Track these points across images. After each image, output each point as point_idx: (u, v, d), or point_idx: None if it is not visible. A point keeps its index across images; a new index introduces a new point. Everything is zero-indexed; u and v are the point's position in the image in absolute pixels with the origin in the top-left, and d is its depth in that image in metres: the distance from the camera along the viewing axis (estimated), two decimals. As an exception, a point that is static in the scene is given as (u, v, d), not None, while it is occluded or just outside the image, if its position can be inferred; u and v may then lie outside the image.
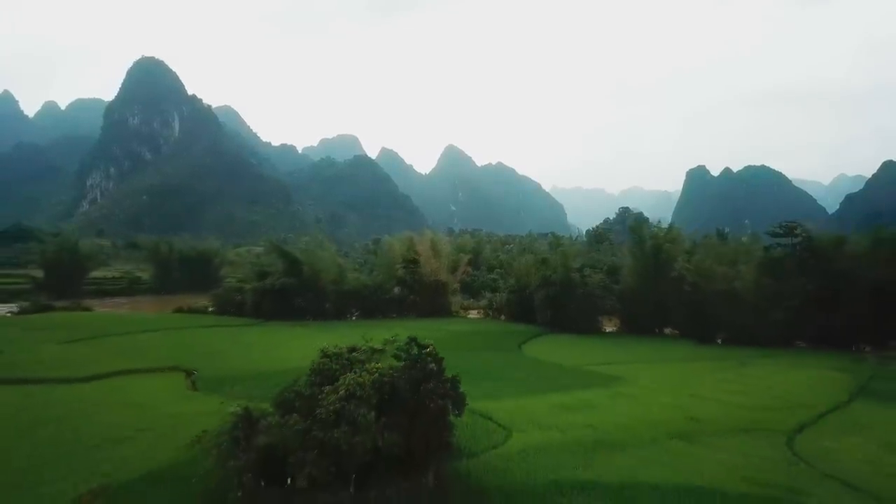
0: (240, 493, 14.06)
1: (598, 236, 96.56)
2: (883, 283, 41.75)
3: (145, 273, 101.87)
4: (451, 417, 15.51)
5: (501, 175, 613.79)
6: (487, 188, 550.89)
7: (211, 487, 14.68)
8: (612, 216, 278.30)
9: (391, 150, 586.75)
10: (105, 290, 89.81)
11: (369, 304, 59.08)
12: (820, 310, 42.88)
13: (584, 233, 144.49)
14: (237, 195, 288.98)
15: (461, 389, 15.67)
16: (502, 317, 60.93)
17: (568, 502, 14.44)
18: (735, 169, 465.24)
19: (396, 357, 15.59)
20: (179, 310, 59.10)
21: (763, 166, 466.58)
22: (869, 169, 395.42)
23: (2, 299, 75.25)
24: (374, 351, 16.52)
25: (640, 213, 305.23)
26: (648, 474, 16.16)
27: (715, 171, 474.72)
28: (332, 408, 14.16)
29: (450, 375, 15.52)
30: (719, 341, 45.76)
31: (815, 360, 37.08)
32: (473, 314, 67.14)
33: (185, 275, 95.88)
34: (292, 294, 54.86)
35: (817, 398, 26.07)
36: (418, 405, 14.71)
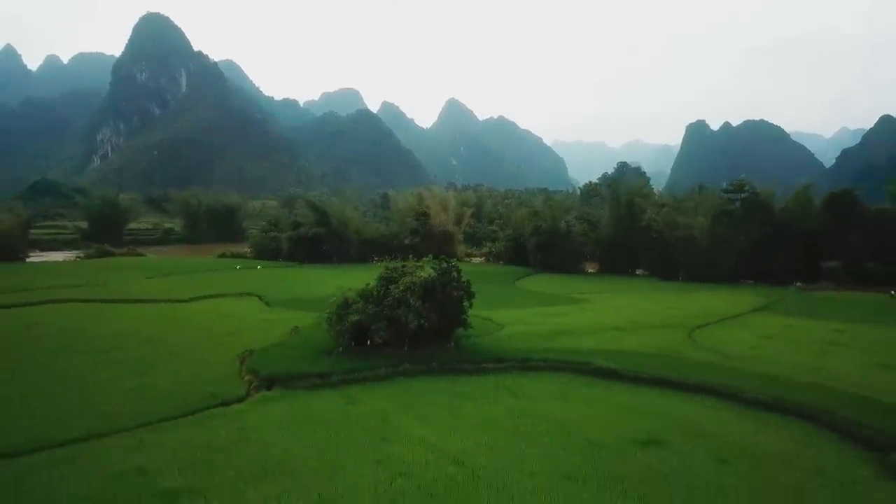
0: (341, 349, 23.68)
1: (591, 191, 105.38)
2: (811, 231, 51.12)
3: (174, 224, 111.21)
4: (465, 306, 25.06)
5: (503, 129, 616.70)
6: (488, 142, 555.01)
7: (321, 346, 24.31)
8: (611, 170, 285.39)
9: (392, 104, 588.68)
10: (141, 240, 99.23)
11: (387, 250, 68.31)
12: (761, 253, 52.26)
13: (578, 188, 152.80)
14: (245, 150, 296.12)
15: (471, 289, 25.20)
16: (501, 262, 70.41)
17: (536, 356, 23.98)
18: (735, 123, 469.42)
19: (433, 268, 24.98)
20: (223, 255, 68.71)
21: (762, 121, 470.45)
22: (871, 122, 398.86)
23: (56, 247, 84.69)
24: (417, 266, 25.85)
25: (638, 168, 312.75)
26: (588, 345, 25.74)
27: (715, 126, 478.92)
28: (395, 297, 23.64)
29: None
30: (680, 279, 55.19)
31: (748, 290, 46.60)
32: (476, 260, 76.56)
33: (212, 226, 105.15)
34: (322, 241, 64.35)
35: (727, 311, 35.75)
36: (446, 296, 24.26)
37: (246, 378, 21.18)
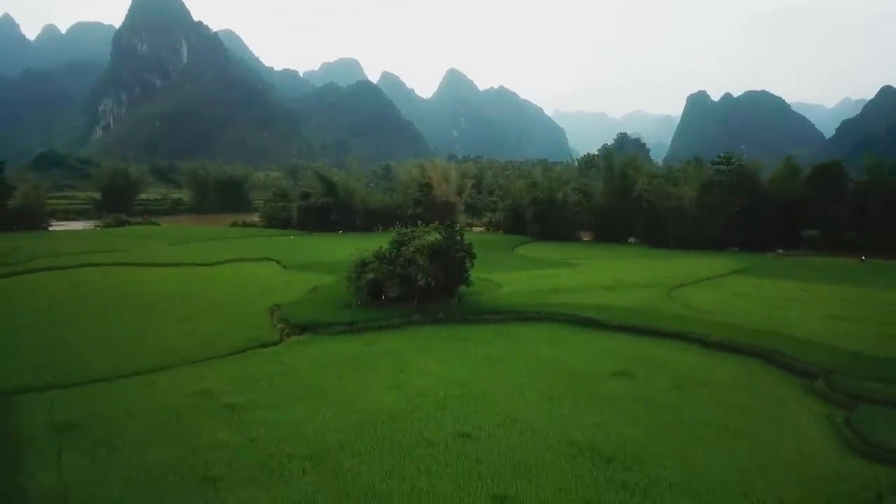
0: (359, 302, 27.01)
1: (589, 162, 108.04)
2: (794, 201, 54.21)
3: (182, 195, 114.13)
4: (467, 265, 28.33)
5: (503, 99, 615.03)
6: (489, 113, 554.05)
7: (341, 301, 27.64)
8: (611, 141, 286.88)
9: (392, 75, 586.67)
10: (151, 210, 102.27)
11: (391, 220, 71.40)
12: (747, 222, 55.39)
13: (576, 159, 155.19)
14: (246, 121, 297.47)
15: (473, 252, 28.48)
16: (500, 231, 73.59)
17: (530, 310, 27.27)
18: (736, 94, 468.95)
19: (439, 233, 28.16)
20: (235, 224, 71.92)
21: (763, 91, 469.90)
22: (874, 93, 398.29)
23: (71, 217, 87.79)
24: (425, 231, 29.03)
25: (638, 139, 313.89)
26: (577, 301, 29.03)
27: (716, 97, 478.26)
28: (406, 258, 26.88)
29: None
30: (669, 246, 58.27)
31: (731, 256, 49.82)
32: (477, 230, 79.67)
33: (219, 196, 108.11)
34: (329, 211, 67.51)
35: (706, 273, 39.08)
36: (450, 257, 27.49)
37: (278, 326, 24.54)
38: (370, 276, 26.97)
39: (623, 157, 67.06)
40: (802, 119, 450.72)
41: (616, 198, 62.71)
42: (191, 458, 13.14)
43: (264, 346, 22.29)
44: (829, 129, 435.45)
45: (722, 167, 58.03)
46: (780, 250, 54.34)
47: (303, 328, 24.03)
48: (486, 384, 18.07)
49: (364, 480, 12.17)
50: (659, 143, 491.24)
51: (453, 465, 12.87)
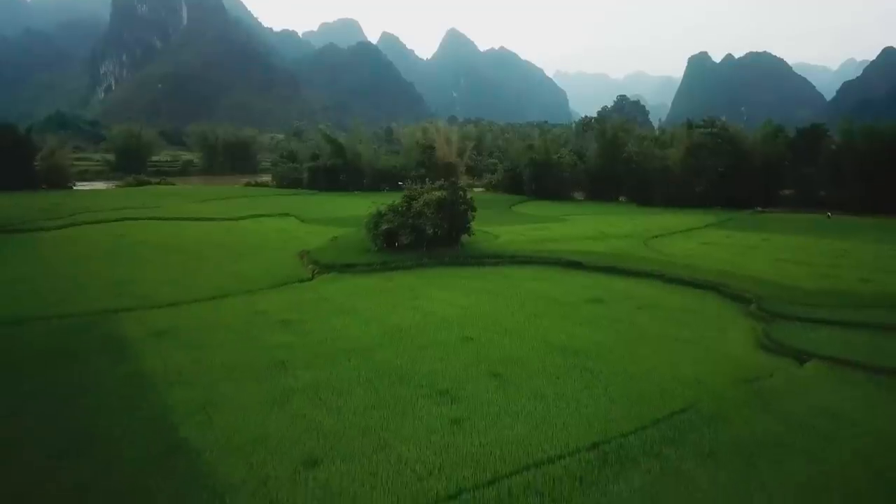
0: (376, 248, 31.40)
1: (586, 125, 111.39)
2: (774, 163, 58.27)
3: (193, 157, 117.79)
4: (469, 217, 32.66)
5: (504, 60, 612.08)
6: (489, 74, 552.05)
7: (359, 247, 32.04)
8: (611, 103, 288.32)
9: (392, 35, 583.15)
10: (163, 172, 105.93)
11: (396, 180, 75.27)
12: (729, 182, 59.45)
13: (574, 122, 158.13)
14: (248, 83, 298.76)
15: (474, 205, 32.79)
16: (499, 191, 77.58)
17: (522, 255, 31.63)
18: (738, 55, 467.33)
19: (445, 189, 32.39)
20: (248, 184, 75.97)
21: (765, 53, 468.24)
22: (877, 54, 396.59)
23: (89, 178, 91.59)
24: (433, 188, 33.22)
25: (638, 101, 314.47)
26: (563, 248, 33.37)
27: (718, 58, 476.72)
28: (416, 211, 31.17)
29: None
30: (656, 205, 62.39)
31: (710, 212, 53.99)
32: (477, 190, 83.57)
33: (228, 158, 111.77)
34: (338, 172, 71.54)
35: (683, 226, 43.39)
36: (454, 210, 31.77)
37: (309, 267, 28.99)
38: (385, 226, 31.35)
39: (615, 120, 70.86)
40: (803, 81, 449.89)
41: (608, 159, 66.66)
42: (261, 352, 17.63)
43: (300, 281, 26.77)
44: (831, 91, 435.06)
45: (706, 130, 61.90)
46: (758, 208, 58.42)
47: (330, 268, 28.45)
48: (484, 308, 22.51)
49: (393, 365, 16.66)
50: (660, 104, 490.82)
51: (460, 356, 17.36)
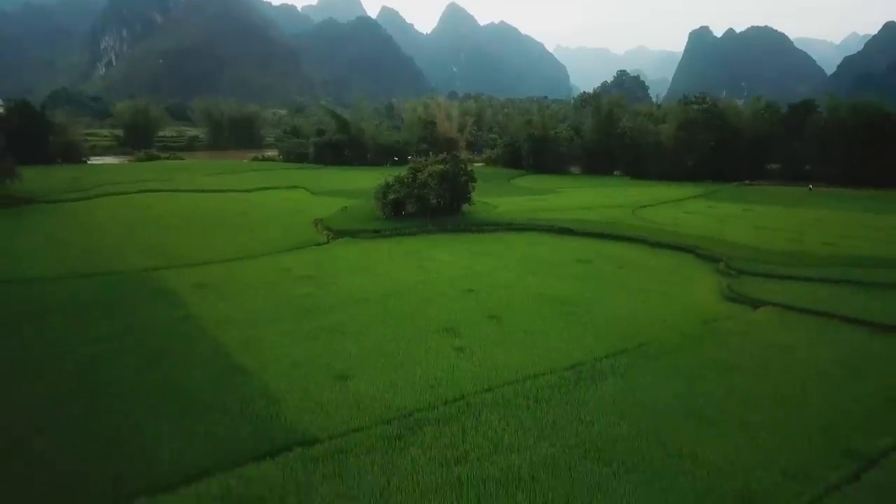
0: (384, 216, 34.14)
1: (585, 101, 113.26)
2: (762, 137, 60.72)
3: (197, 132, 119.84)
4: (470, 188, 35.33)
5: (504, 35, 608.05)
6: (490, 49, 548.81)
7: (368, 216, 34.78)
8: (611, 79, 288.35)
9: (391, 9, 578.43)
10: (169, 147, 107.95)
11: (399, 155, 77.80)
12: (720, 156, 61.91)
13: (573, 97, 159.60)
14: (248, 58, 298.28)
15: (474, 176, 35.46)
16: (499, 165, 79.95)
17: (518, 222, 34.34)
18: (740, 30, 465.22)
19: (447, 162, 35.03)
20: (256, 158, 78.40)
21: (766, 27, 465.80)
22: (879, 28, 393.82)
23: (98, 153, 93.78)
24: (436, 161, 35.84)
25: (638, 76, 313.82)
26: (556, 217, 36.07)
27: (719, 32, 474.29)
28: (421, 182, 33.84)
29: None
30: (649, 178, 64.92)
31: (700, 185, 56.56)
32: (477, 165, 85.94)
33: (233, 134, 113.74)
34: (343, 147, 73.97)
35: (671, 197, 46.05)
36: (456, 181, 34.45)
37: (324, 232, 31.78)
38: (393, 196, 34.07)
39: (610, 96, 73.18)
40: (805, 56, 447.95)
41: (603, 134, 69.04)
42: (290, 300, 20.45)
43: (316, 245, 29.57)
44: (833, 66, 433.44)
45: (697, 106, 64.21)
46: (746, 181, 60.95)
47: (342, 233, 31.24)
48: (482, 267, 25.31)
49: (404, 310, 19.48)
50: (661, 79, 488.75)
51: (462, 304, 20.18)
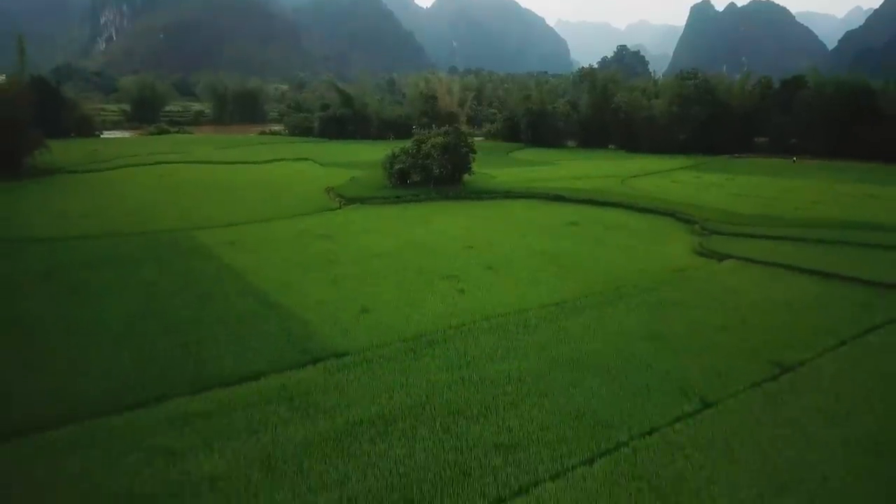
0: (391, 185, 36.85)
1: (583, 76, 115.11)
2: (750, 112, 63.17)
3: (202, 107, 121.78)
4: (470, 159, 37.98)
5: (505, 9, 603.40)
6: (490, 23, 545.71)
7: (376, 184, 37.49)
8: (611, 54, 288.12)
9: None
10: (176, 121, 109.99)
11: (401, 129, 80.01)
12: (710, 130, 64.33)
13: (571, 72, 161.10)
14: (249, 33, 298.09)
15: (474, 148, 38.08)
16: (498, 139, 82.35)
17: (515, 191, 37.03)
18: (740, 4, 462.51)
19: (448, 135, 37.61)
20: (263, 132, 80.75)
21: (768, 1, 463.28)
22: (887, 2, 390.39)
23: (107, 127, 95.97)
24: (438, 133, 38.41)
25: (638, 51, 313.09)
26: (551, 186, 38.74)
27: (721, 6, 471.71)
28: (425, 153, 36.48)
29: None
30: (642, 151, 67.38)
31: (690, 157, 59.10)
32: (477, 139, 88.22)
33: (237, 108, 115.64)
34: (347, 121, 76.35)
35: (660, 168, 48.66)
36: (457, 152, 37.08)
37: (336, 199, 34.50)
38: (399, 166, 36.74)
39: (606, 72, 75.52)
40: (806, 30, 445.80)
41: (598, 109, 71.41)
42: (311, 254, 23.26)
43: (330, 210, 32.31)
44: (834, 40, 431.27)
45: (689, 81, 66.50)
46: (736, 154, 63.48)
47: (353, 200, 33.96)
48: (481, 229, 28.09)
49: (413, 263, 22.28)
50: (662, 54, 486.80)
51: (463, 257, 23.00)
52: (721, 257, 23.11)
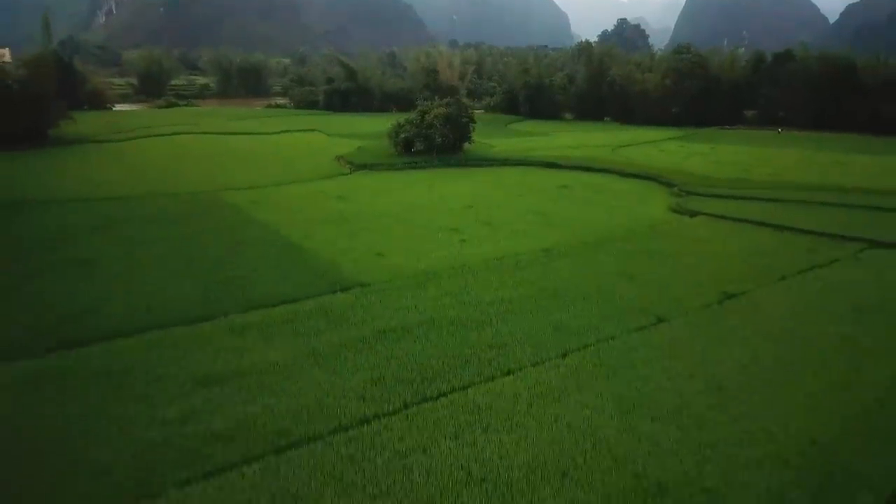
0: (396, 153, 39.60)
1: (581, 50, 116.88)
2: (739, 85, 65.58)
3: (207, 81, 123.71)
4: (470, 128, 40.66)
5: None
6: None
7: (382, 153, 40.25)
8: (611, 27, 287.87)
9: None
10: (182, 95, 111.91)
11: (403, 102, 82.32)
12: (701, 103, 66.77)
13: (570, 47, 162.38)
14: (250, 7, 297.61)
15: (474, 118, 40.76)
16: (497, 112, 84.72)
17: (512, 159, 39.77)
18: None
19: (450, 106, 40.23)
20: (269, 106, 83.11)
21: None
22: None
23: (116, 100, 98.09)
24: (440, 105, 41.02)
25: (638, 25, 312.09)
26: (546, 154, 41.45)
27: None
28: (428, 123, 39.16)
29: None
30: (636, 124, 69.88)
31: (681, 129, 61.67)
32: (477, 112, 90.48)
33: (241, 82, 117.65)
34: (351, 94, 78.73)
35: (651, 139, 51.31)
36: (458, 122, 39.76)
37: (346, 166, 37.30)
38: (404, 135, 39.48)
39: (601, 46, 78.05)
40: (809, 4, 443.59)
41: (594, 83, 73.74)
42: (329, 212, 26.11)
43: (341, 175, 35.11)
44: (837, 13, 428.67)
45: (682, 56, 68.80)
46: (726, 126, 66.00)
47: (362, 167, 36.76)
48: (480, 192, 30.91)
49: (419, 219, 25.15)
50: (664, 27, 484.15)
51: (463, 215, 25.87)
52: (693, 214, 25.98)
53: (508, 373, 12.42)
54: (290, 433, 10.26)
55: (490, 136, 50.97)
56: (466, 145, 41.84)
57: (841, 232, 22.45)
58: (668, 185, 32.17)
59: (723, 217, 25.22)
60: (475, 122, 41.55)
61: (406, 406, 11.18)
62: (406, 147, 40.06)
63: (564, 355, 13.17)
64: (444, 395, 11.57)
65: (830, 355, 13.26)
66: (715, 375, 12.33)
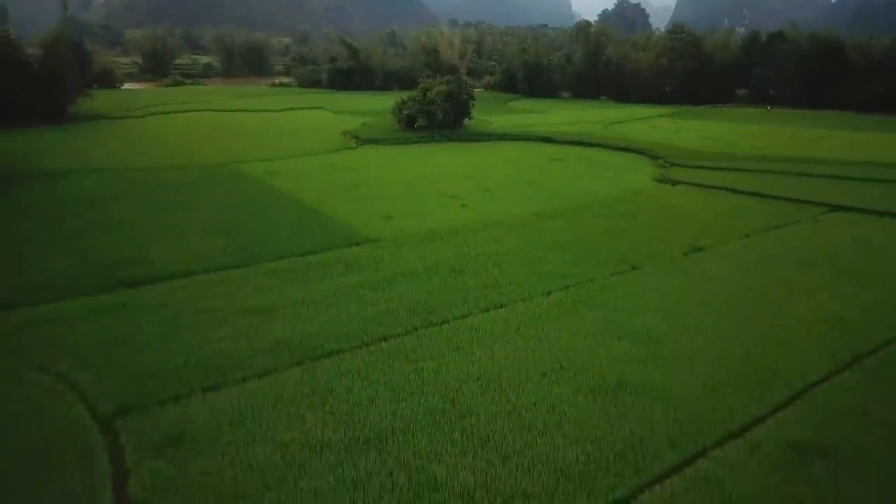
0: (399, 128, 41.73)
1: (578, 30, 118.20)
2: (731, 64, 67.44)
3: (210, 60, 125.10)
4: (470, 105, 42.76)
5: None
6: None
7: (386, 128, 42.39)
8: (611, 7, 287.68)
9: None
10: (186, 74, 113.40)
11: (405, 81, 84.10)
12: (694, 82, 68.60)
13: (568, 27, 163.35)
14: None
15: (473, 95, 42.86)
16: (497, 90, 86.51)
17: (509, 135, 41.92)
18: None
19: (450, 83, 42.29)
20: (274, 84, 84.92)
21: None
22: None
23: (121, 79, 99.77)
24: (441, 82, 43.05)
25: (637, 4, 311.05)
26: (542, 130, 43.55)
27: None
28: (429, 100, 41.26)
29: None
30: (631, 102, 71.77)
31: (673, 107, 63.63)
32: (477, 90, 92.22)
33: (244, 62, 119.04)
34: (353, 73, 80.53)
35: (643, 115, 53.37)
36: (458, 99, 41.83)
37: (352, 140, 39.45)
38: (407, 111, 41.60)
39: (598, 26, 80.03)
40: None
41: (591, 62, 75.57)
42: (340, 182, 28.34)
43: (348, 149, 37.31)
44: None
45: (676, 36, 70.59)
46: (720, 105, 67.91)
47: (367, 141, 38.94)
48: (479, 164, 33.14)
49: (423, 188, 27.40)
50: (665, 6, 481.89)
51: (463, 183, 28.12)
52: (674, 183, 28.25)
53: (500, 306, 14.78)
54: (322, 347, 12.66)
55: (489, 114, 52.97)
56: (466, 121, 43.93)
57: (807, 198, 24.72)
58: (655, 157, 34.34)
59: (701, 185, 27.49)
60: (475, 100, 43.62)
61: (416, 329, 13.57)
62: (409, 123, 42.17)
63: (549, 293, 15.53)
64: (447, 321, 13.95)
65: (772, 293, 15.66)
66: (675, 308, 14.69)
